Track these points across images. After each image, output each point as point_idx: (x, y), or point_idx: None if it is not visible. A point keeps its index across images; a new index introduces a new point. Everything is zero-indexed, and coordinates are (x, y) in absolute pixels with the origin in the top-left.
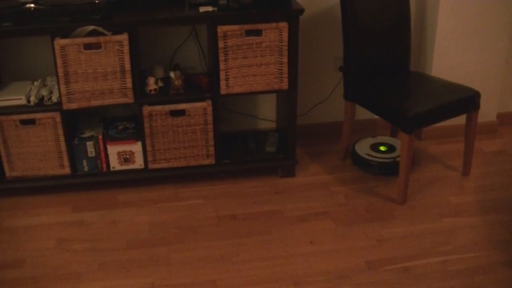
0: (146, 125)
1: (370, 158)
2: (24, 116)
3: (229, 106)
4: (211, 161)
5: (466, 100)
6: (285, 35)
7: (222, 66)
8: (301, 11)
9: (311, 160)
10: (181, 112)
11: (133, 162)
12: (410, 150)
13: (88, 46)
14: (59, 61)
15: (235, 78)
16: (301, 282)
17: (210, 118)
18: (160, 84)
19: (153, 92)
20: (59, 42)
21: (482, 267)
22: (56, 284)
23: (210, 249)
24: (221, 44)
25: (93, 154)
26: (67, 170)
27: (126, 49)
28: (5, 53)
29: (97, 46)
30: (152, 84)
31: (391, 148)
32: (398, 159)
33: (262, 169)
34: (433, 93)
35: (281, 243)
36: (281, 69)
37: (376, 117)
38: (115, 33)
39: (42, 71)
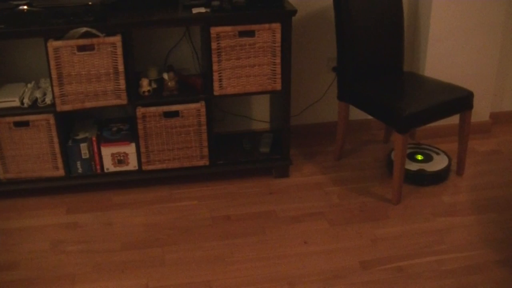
0: (140, 126)
1: (417, 170)
2: (18, 118)
3: (223, 107)
4: (205, 162)
5: (460, 100)
6: (278, 36)
7: (215, 67)
8: (294, 12)
9: (305, 161)
10: (175, 114)
11: (127, 163)
12: (404, 150)
13: (81, 48)
14: (52, 63)
15: (228, 79)
16: (296, 282)
17: (204, 119)
18: (154, 85)
19: (146, 93)
20: (53, 44)
21: (476, 266)
22: (51, 286)
23: (204, 250)
24: (214, 45)
25: (87, 156)
26: (61, 172)
27: (119, 50)
28: None
29: (90, 47)
30: (145, 85)
31: (427, 157)
32: (441, 167)
33: (256, 169)
34: (426, 93)
35: (275, 243)
36: (275, 70)
37: (370, 117)
38: (109, 34)
39: (36, 73)
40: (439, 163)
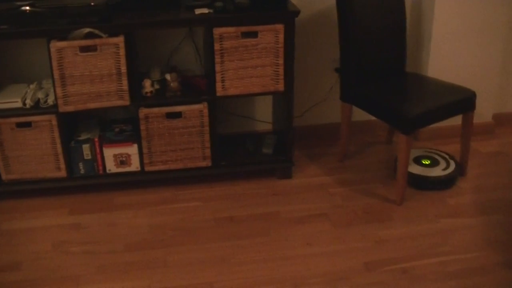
0: (143, 127)
1: (424, 174)
2: (21, 119)
3: (226, 108)
4: (208, 163)
5: (463, 101)
6: (281, 37)
7: (218, 68)
8: (297, 12)
9: (308, 162)
10: (178, 114)
11: (130, 164)
12: (408, 151)
13: (84, 49)
14: (55, 64)
15: (231, 80)
16: (299, 284)
17: (206, 120)
18: (157, 86)
19: (149, 94)
20: (56, 44)
21: (480, 268)
22: (54, 287)
23: (207, 251)
24: (217, 46)
25: (89, 157)
26: (63, 173)
27: (122, 51)
28: (1, 56)
29: (93, 48)
30: (148, 86)
31: (434, 161)
32: (450, 171)
33: (260, 171)
34: (430, 94)
35: (278, 245)
36: (277, 71)
37: (373, 118)
38: (112, 35)
39: (38, 73)
40: (444, 169)
